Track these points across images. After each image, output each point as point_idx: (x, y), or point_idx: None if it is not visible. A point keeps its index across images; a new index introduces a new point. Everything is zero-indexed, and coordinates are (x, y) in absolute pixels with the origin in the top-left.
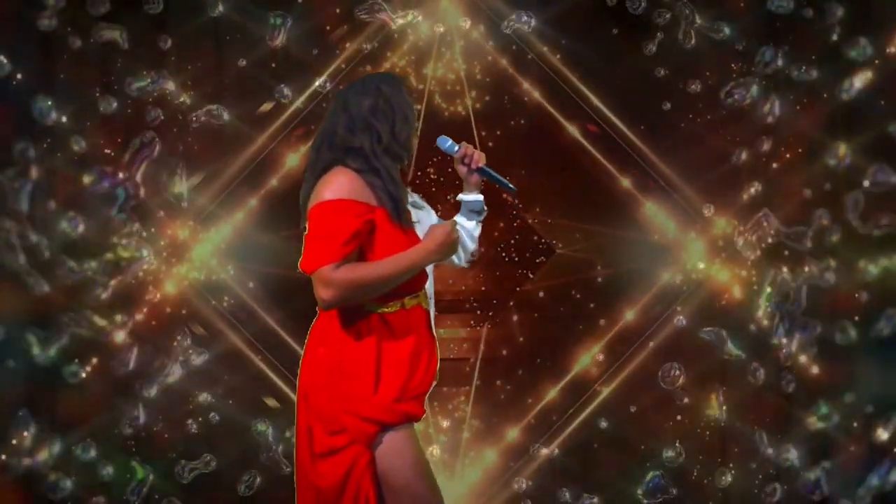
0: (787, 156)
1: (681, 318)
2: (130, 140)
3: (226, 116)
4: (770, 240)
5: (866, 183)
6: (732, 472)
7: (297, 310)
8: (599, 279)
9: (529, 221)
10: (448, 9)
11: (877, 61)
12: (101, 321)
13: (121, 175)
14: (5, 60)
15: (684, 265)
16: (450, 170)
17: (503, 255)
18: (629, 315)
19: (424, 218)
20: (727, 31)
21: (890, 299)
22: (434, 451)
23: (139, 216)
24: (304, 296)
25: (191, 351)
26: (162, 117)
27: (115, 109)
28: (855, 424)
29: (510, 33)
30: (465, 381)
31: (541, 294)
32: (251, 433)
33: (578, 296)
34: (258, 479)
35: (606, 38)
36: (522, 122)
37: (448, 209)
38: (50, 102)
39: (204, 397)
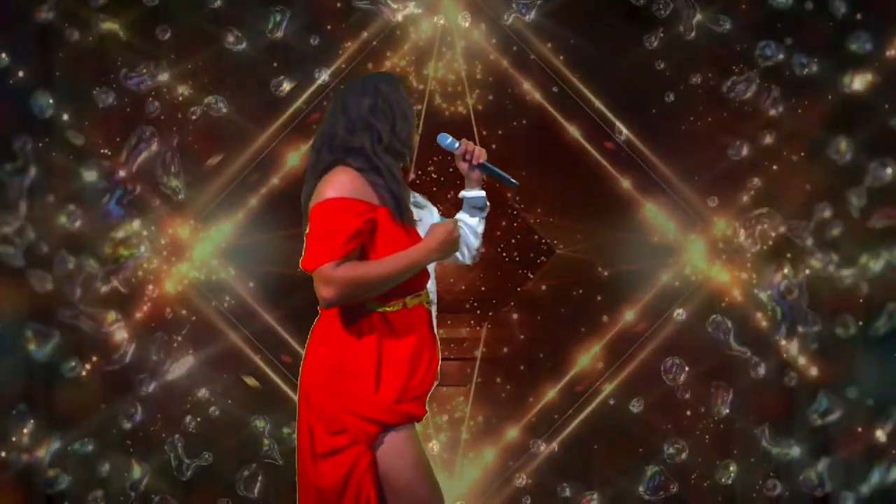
0: (789, 152)
1: (681, 311)
2: (129, 134)
3: (224, 109)
4: (773, 233)
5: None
6: (733, 469)
7: (297, 308)
8: (601, 279)
9: (530, 221)
10: (449, 7)
11: (888, 53)
12: (99, 318)
13: (120, 173)
14: (4, 56)
15: (684, 266)
16: (451, 169)
17: (504, 255)
18: (629, 315)
19: (426, 217)
20: (728, 25)
21: (891, 294)
22: (433, 448)
23: (138, 212)
24: (304, 295)
25: (190, 351)
26: (160, 110)
27: (113, 102)
28: (856, 420)
29: (508, 27)
30: (465, 380)
31: (543, 288)
32: (250, 430)
33: (580, 293)
34: (257, 477)
35: (607, 32)
36: (524, 122)
37: (449, 208)
38: (51, 100)
39: (202, 394)
